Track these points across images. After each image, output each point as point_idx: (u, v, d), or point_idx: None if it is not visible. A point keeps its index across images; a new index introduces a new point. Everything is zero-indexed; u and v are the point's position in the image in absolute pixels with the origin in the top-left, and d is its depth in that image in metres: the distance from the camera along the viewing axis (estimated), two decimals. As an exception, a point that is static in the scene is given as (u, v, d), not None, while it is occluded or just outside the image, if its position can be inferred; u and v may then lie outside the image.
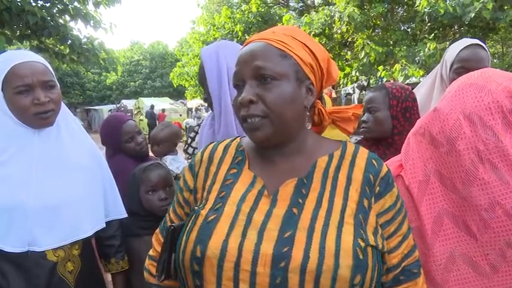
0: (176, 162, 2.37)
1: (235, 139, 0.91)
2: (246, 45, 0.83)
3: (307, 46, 0.80)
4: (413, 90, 1.85)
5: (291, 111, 0.77)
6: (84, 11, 4.91)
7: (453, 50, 1.74)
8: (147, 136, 2.10)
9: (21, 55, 1.20)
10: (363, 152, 0.83)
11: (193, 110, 18.28)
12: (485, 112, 0.84)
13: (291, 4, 13.58)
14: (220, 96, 1.32)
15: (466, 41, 1.73)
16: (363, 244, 0.70)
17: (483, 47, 1.69)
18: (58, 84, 1.26)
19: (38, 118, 1.18)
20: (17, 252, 1.14)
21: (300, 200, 0.75)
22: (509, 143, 0.83)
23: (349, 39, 10.22)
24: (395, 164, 1.04)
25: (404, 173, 0.98)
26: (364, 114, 1.58)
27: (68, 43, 5.11)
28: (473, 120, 0.85)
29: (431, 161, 0.92)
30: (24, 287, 1.15)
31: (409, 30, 10.27)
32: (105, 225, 1.35)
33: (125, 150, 1.90)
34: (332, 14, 8.88)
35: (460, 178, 0.87)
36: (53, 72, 1.25)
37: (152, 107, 17.20)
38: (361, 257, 0.69)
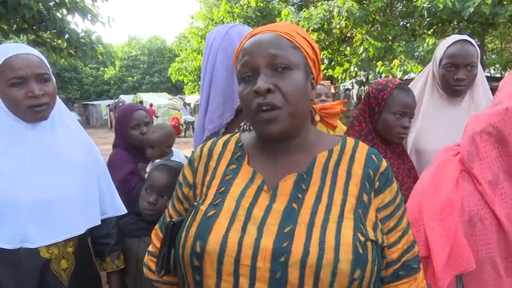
0: None
1: (234, 135, 0.91)
2: (251, 37, 0.81)
3: (309, 42, 0.82)
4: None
5: (305, 102, 0.78)
6: (81, 5, 4.86)
7: (442, 47, 1.73)
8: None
9: (15, 47, 1.17)
10: (363, 147, 0.83)
11: (192, 105, 18.14)
12: None
13: (289, -1, 13.51)
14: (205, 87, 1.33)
15: (454, 37, 1.72)
16: (362, 238, 0.70)
17: (471, 43, 1.67)
18: (53, 77, 1.24)
19: (32, 111, 1.16)
20: (9, 249, 1.11)
21: (300, 195, 0.75)
22: None
23: (348, 35, 10.19)
24: (453, 151, 1.04)
25: (474, 173, 0.96)
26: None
27: (65, 37, 5.06)
28: None
29: (497, 160, 0.90)
30: (16, 284, 1.13)
31: (408, 25, 10.25)
32: (99, 223, 1.32)
33: (130, 138, 1.93)
34: (331, 9, 8.83)
35: None
36: (48, 66, 1.22)
37: (141, 103, 16.36)
38: (361, 251, 0.68)
